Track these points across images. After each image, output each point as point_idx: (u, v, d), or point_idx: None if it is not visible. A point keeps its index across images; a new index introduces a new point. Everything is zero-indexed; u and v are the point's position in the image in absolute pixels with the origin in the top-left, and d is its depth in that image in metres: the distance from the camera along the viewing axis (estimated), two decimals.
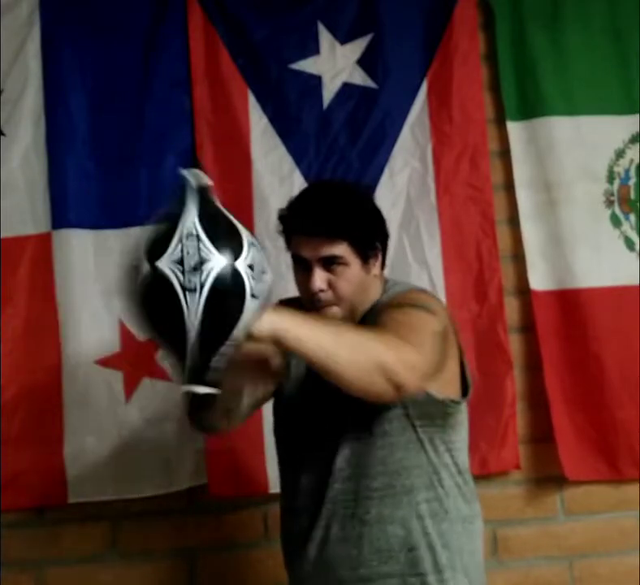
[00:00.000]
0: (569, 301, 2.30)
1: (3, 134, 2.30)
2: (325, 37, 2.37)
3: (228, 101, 2.34)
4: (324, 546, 1.61)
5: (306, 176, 2.31)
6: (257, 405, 1.73)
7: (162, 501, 2.22)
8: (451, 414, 1.64)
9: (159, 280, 1.23)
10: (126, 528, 2.26)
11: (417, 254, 2.30)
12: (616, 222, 2.34)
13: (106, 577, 2.25)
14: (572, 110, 2.35)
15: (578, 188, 2.33)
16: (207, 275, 1.22)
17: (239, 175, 2.32)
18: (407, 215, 2.32)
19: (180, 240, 1.23)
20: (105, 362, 2.24)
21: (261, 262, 1.28)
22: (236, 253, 1.25)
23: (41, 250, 2.26)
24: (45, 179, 2.29)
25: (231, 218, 1.30)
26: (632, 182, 2.36)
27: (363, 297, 1.63)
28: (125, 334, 2.22)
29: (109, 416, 2.23)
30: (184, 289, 1.22)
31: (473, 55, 2.38)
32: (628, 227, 2.34)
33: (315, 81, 2.35)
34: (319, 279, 1.58)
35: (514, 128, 2.36)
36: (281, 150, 2.33)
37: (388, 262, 2.26)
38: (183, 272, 1.22)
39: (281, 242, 1.71)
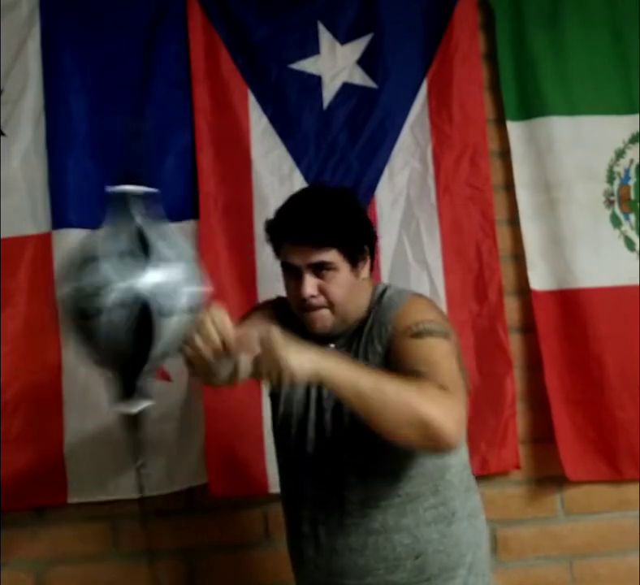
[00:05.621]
0: (569, 301, 2.30)
1: (3, 134, 2.30)
2: (325, 37, 2.36)
3: (228, 101, 2.34)
4: (331, 555, 1.61)
5: (306, 176, 2.31)
6: None
7: (162, 501, 2.22)
8: None
9: (63, 304, 1.23)
10: (126, 528, 2.26)
11: (417, 254, 2.30)
12: (616, 222, 2.34)
13: (106, 577, 2.25)
14: (572, 109, 2.35)
15: (578, 188, 2.33)
16: (104, 300, 1.19)
17: (239, 175, 2.32)
18: (407, 215, 2.32)
19: (85, 263, 1.22)
20: None
21: (177, 278, 1.24)
22: (136, 275, 1.21)
23: (40, 250, 2.26)
24: (45, 179, 2.29)
25: (148, 233, 1.26)
26: (632, 182, 2.36)
27: (354, 301, 1.63)
28: None
29: (109, 416, 2.22)
30: (86, 314, 1.21)
31: (473, 55, 2.38)
32: (628, 227, 2.34)
33: (315, 81, 2.35)
34: (309, 285, 1.58)
35: (514, 128, 2.36)
36: (281, 150, 2.33)
37: (388, 261, 2.29)
38: (85, 297, 1.20)
39: None
